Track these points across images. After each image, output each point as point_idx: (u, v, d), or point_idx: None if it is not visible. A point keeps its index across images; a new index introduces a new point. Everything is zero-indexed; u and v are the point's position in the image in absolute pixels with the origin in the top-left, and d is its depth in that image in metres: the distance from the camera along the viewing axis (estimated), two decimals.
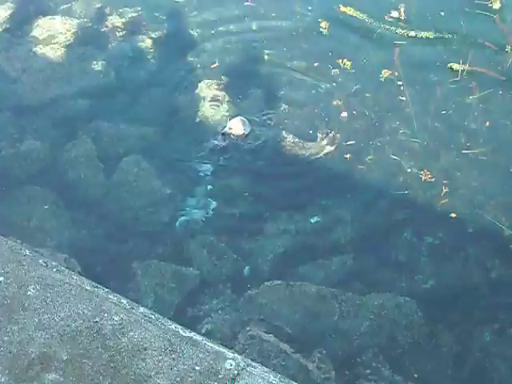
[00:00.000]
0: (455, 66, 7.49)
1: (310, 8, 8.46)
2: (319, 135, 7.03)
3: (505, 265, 5.95)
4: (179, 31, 8.26)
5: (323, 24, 8.18)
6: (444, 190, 6.49)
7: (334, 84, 7.58)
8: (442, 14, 8.21)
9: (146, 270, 5.95)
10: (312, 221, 6.32)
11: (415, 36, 7.97)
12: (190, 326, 4.49)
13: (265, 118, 7.23)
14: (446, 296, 5.80)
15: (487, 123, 7.03)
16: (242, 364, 4.07)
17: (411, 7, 8.29)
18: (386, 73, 7.57)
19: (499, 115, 7.15)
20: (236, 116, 7.12)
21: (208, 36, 8.22)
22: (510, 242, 6.11)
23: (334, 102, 7.36)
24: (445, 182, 6.57)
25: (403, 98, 7.31)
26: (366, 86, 7.53)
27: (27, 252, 4.61)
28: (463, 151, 6.80)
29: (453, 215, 6.31)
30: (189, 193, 6.60)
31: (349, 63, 7.70)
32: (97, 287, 4.45)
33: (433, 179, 6.59)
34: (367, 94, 7.42)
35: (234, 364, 4.04)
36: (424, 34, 7.97)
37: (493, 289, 5.84)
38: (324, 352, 5.38)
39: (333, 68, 7.71)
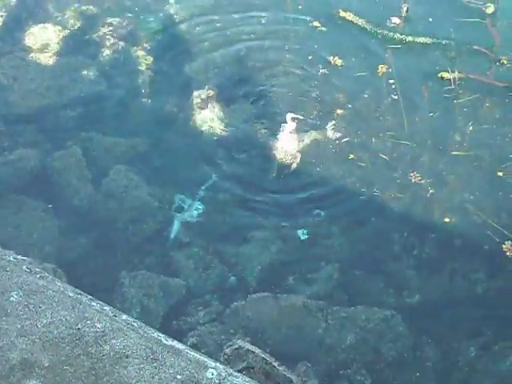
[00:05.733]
0: (446, 74, 7.49)
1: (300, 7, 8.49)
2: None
3: (490, 277, 5.97)
4: (172, 40, 8.23)
5: (317, 23, 8.25)
6: (430, 191, 6.55)
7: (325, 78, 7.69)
8: (431, 20, 8.21)
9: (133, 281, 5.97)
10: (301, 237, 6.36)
11: (412, 41, 7.97)
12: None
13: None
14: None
15: (471, 127, 7.05)
16: (223, 374, 4.03)
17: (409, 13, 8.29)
18: (382, 68, 7.66)
19: (485, 119, 7.16)
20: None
21: (199, 41, 8.20)
22: (495, 251, 6.14)
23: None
24: (429, 181, 6.64)
25: (395, 97, 7.35)
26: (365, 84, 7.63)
27: (11, 258, 4.57)
28: (452, 153, 6.85)
29: (439, 217, 6.38)
30: (178, 201, 6.64)
31: (340, 61, 7.79)
32: (80, 294, 4.41)
33: (422, 181, 6.61)
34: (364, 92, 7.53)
35: (215, 373, 4.02)
36: (420, 40, 7.97)
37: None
38: (309, 365, 5.37)
39: (322, 67, 7.77)
